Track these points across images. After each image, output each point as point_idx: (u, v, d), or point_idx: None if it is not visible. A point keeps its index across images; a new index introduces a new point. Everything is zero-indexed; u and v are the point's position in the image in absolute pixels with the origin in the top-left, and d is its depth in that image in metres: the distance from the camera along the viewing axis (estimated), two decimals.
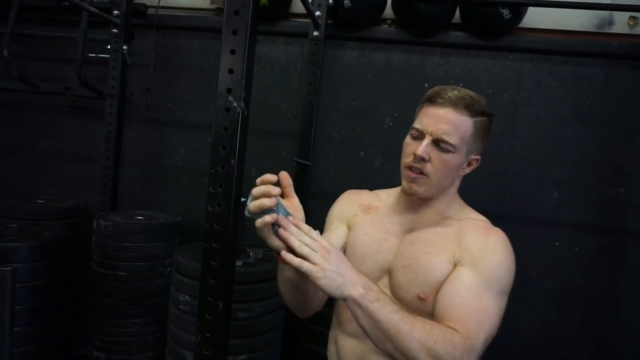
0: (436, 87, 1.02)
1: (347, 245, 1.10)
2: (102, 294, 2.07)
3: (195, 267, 1.64)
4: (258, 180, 0.87)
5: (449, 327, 0.84)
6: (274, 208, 0.84)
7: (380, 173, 2.31)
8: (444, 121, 0.96)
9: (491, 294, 0.90)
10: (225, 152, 1.05)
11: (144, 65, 2.46)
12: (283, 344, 1.95)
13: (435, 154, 0.97)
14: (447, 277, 0.94)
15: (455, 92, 0.98)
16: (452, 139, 0.95)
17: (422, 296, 0.96)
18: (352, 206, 1.16)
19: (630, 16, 2.10)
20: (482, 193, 2.12)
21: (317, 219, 2.33)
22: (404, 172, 1.02)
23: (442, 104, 0.97)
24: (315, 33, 2.20)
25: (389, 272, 1.03)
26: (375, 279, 1.01)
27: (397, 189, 1.12)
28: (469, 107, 0.96)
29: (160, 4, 2.37)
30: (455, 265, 0.96)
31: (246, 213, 0.85)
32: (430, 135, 0.97)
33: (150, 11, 2.42)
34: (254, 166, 2.39)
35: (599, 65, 2.11)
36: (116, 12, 2.30)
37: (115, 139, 2.39)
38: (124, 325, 2.07)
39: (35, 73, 2.49)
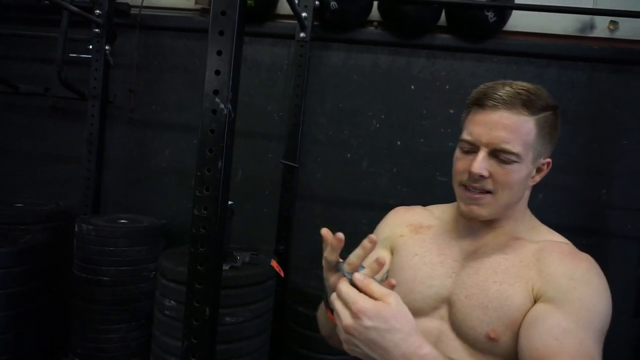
0: (482, 86, 0.85)
1: (392, 269, 0.95)
2: (85, 300, 2.02)
3: (182, 271, 1.61)
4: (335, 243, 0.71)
5: None
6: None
7: (367, 175, 2.31)
8: (499, 127, 0.79)
9: (592, 336, 0.74)
10: (212, 155, 1.03)
11: (127, 66, 2.42)
12: (271, 349, 1.93)
13: (495, 168, 0.81)
14: (524, 313, 0.78)
15: (507, 88, 0.82)
16: (514, 147, 0.79)
17: (492, 335, 0.78)
18: (398, 227, 1.01)
19: (611, 21, 2.15)
20: None
21: (303, 221, 2.34)
22: (460, 192, 0.86)
23: (493, 107, 0.80)
24: (302, 34, 2.19)
25: (448, 302, 0.86)
26: (430, 309, 0.87)
27: (455, 204, 0.95)
28: (528, 105, 0.80)
29: (144, 4, 2.33)
30: (535, 298, 0.79)
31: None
32: (486, 146, 0.81)
33: (134, 11, 2.38)
34: (239, 168, 2.37)
35: (581, 68, 2.15)
36: (98, 11, 2.25)
37: (97, 141, 2.34)
38: (107, 331, 2.02)
39: (14, 73, 2.42)
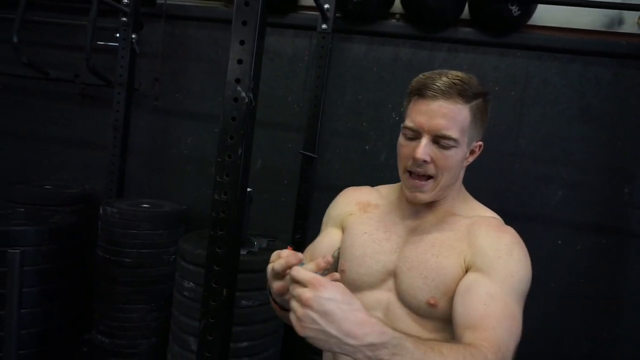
0: (421, 76, 0.91)
1: (343, 246, 1.03)
2: (108, 280, 2.10)
3: (201, 254, 1.66)
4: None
5: (478, 343, 0.75)
6: None
7: (385, 167, 2.32)
8: (439, 115, 0.86)
9: (514, 299, 0.84)
10: (232, 142, 1.07)
11: (153, 55, 2.48)
12: (285, 333, 1.97)
13: (436, 153, 0.88)
14: (458, 281, 0.87)
15: (444, 78, 0.87)
16: (453, 133, 0.86)
17: (432, 302, 0.88)
18: (347, 205, 1.08)
19: None
20: (486, 189, 2.12)
21: (321, 211, 2.35)
22: (405, 179, 0.94)
23: (433, 97, 0.87)
24: (324, 26, 2.20)
25: (393, 274, 0.94)
26: (379, 282, 0.96)
27: (400, 184, 1.01)
28: (462, 94, 0.87)
29: None
30: (466, 268, 0.88)
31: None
32: (428, 133, 0.87)
33: (160, 1, 2.43)
34: (259, 158, 2.41)
35: (607, 64, 2.10)
36: (126, 0, 2.31)
37: (122, 128, 2.41)
38: (128, 310, 2.10)
39: (44, 60, 2.51)
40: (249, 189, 1.22)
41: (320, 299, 0.63)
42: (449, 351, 0.69)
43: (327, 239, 1.06)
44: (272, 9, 2.27)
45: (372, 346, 0.63)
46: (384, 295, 0.95)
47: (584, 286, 2.14)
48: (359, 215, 1.05)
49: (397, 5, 2.23)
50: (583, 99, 2.13)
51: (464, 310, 0.82)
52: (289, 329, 2.07)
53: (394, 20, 2.28)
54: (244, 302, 1.65)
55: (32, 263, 1.78)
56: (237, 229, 1.11)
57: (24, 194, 2.27)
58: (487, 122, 0.95)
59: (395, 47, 2.29)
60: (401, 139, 0.93)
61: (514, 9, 2.03)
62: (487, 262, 0.86)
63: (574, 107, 2.14)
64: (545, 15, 2.14)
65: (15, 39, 2.17)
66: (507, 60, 2.19)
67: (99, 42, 2.40)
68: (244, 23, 1.04)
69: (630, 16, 2.10)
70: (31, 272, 1.78)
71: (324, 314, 0.63)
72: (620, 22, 2.12)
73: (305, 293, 0.64)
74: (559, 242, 2.15)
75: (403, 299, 0.92)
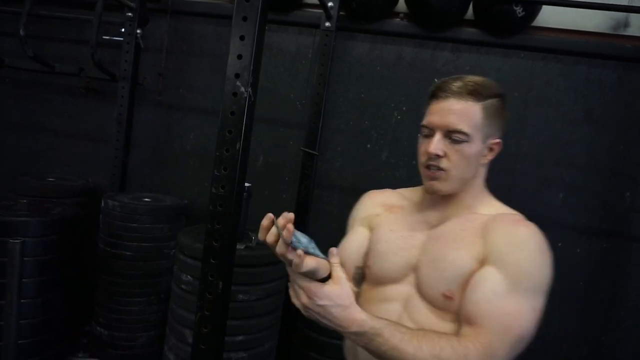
0: (439, 82, 1.00)
1: (371, 243, 1.08)
2: (108, 273, 2.11)
3: (199, 248, 1.67)
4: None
5: (468, 339, 0.82)
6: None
7: (386, 166, 2.32)
8: (449, 112, 0.94)
9: (521, 295, 0.85)
10: (231, 136, 1.07)
11: (157, 50, 2.49)
12: (281, 328, 1.98)
13: (449, 148, 0.95)
14: (471, 275, 0.90)
15: (458, 82, 0.96)
16: (464, 127, 0.93)
17: (447, 294, 0.91)
18: (374, 207, 1.14)
19: None
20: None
21: (320, 208, 2.38)
22: (423, 172, 0.99)
23: (445, 97, 0.95)
24: (327, 24, 2.20)
25: (415, 269, 0.99)
26: (401, 276, 1.00)
27: (421, 187, 1.08)
28: (473, 93, 0.94)
29: None
30: (481, 262, 0.90)
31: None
32: (440, 129, 0.95)
33: None
34: (261, 154, 2.41)
35: (612, 67, 2.10)
36: None
37: (126, 122, 2.43)
38: (128, 303, 2.11)
39: (50, 54, 2.53)
40: (247, 184, 1.22)
41: (313, 306, 0.81)
42: (428, 341, 0.82)
43: (355, 237, 1.12)
44: (276, 6, 2.28)
45: (354, 334, 0.82)
46: (405, 288, 1.00)
47: (583, 289, 2.14)
48: (386, 215, 1.10)
49: (402, 5, 2.23)
50: (586, 102, 2.12)
51: (466, 305, 0.87)
52: (285, 324, 2.08)
53: (397, 19, 2.28)
54: (240, 297, 1.66)
55: (33, 254, 1.80)
56: (234, 222, 1.11)
57: (27, 186, 2.29)
58: (504, 121, 1.00)
59: (399, 46, 2.29)
60: (419, 138, 1.01)
61: (518, 10, 2.02)
62: (498, 256, 0.89)
63: (577, 109, 2.13)
64: (549, 17, 2.13)
65: (22, 33, 2.19)
66: (510, 61, 2.19)
67: (104, 37, 2.41)
68: (244, 18, 1.05)
69: (636, 19, 2.09)
70: (32, 262, 1.80)
71: (318, 313, 0.82)
72: (626, 25, 2.11)
73: (303, 299, 0.82)
74: (559, 244, 2.14)
75: (422, 291, 0.96)
